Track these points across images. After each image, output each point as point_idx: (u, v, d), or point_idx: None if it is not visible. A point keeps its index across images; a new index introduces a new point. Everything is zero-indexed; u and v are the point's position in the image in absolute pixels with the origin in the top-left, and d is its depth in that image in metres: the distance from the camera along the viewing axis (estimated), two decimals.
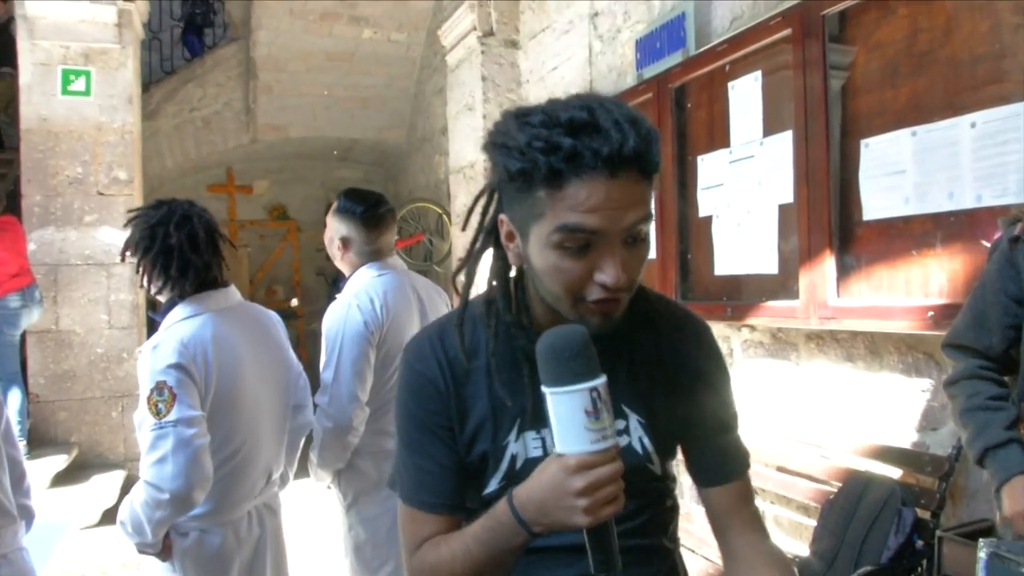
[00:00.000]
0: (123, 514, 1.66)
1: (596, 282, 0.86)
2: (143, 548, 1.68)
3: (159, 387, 1.60)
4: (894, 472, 2.22)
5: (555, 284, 0.88)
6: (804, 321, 2.56)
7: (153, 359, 1.64)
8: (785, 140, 2.66)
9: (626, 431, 0.98)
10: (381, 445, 2.26)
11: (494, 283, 0.96)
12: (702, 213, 3.10)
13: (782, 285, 2.70)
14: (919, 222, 2.22)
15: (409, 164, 7.84)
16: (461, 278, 0.99)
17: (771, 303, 2.71)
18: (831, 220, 2.48)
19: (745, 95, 2.87)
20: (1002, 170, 1.95)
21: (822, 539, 2.27)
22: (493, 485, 0.98)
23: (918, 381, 2.26)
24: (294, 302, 8.32)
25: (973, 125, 2.01)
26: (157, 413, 1.57)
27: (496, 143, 0.87)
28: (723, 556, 1.04)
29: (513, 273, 0.97)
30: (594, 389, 0.79)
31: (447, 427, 0.97)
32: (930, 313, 2.11)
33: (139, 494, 1.61)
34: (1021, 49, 1.90)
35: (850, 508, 2.21)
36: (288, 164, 8.65)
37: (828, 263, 2.48)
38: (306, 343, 8.04)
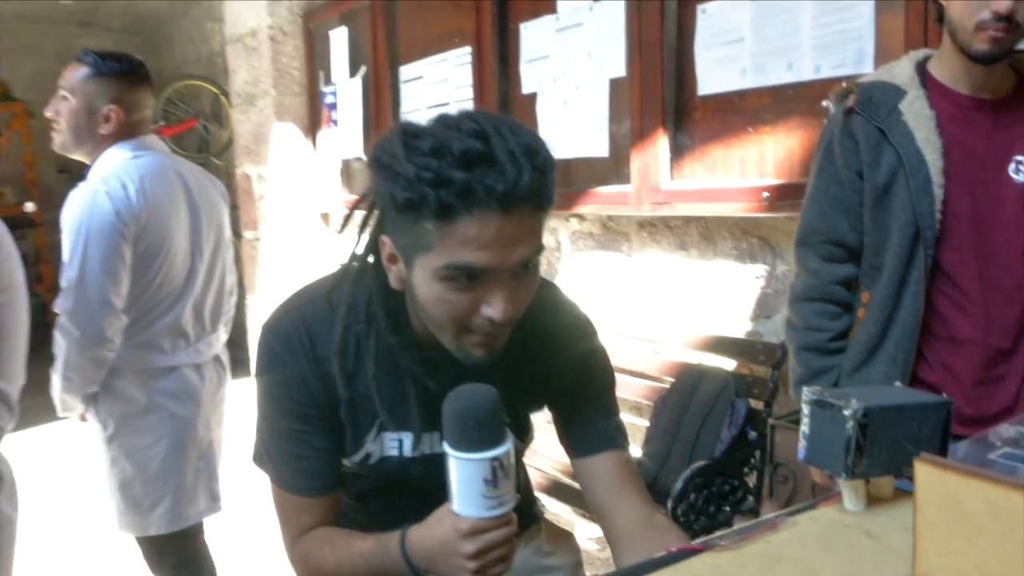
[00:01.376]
0: None
1: (483, 315, 0.92)
2: None
3: None
4: (728, 363, 2.36)
5: (440, 315, 0.94)
6: (636, 208, 2.60)
7: None
8: (617, 5, 2.62)
9: None
10: (147, 361, 2.06)
11: (374, 301, 1.03)
12: (525, 90, 3.04)
13: (613, 169, 2.72)
14: (755, 96, 2.28)
15: (174, 32, 7.09)
16: (341, 296, 1.04)
17: (601, 189, 2.73)
18: (665, 95, 2.51)
19: None
20: (841, 39, 2.03)
21: (654, 438, 2.38)
22: (346, 464, 1.11)
23: (752, 267, 2.38)
24: (29, 207, 7.43)
25: None
26: None
27: (381, 163, 0.90)
28: (617, 531, 1.08)
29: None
30: (495, 459, 0.87)
31: (320, 416, 1.07)
32: (765, 194, 2.20)
33: None
34: None
35: (683, 404, 2.32)
36: (7, 28, 7.51)
37: (661, 143, 2.51)
38: (49, 257, 7.26)
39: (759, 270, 2.37)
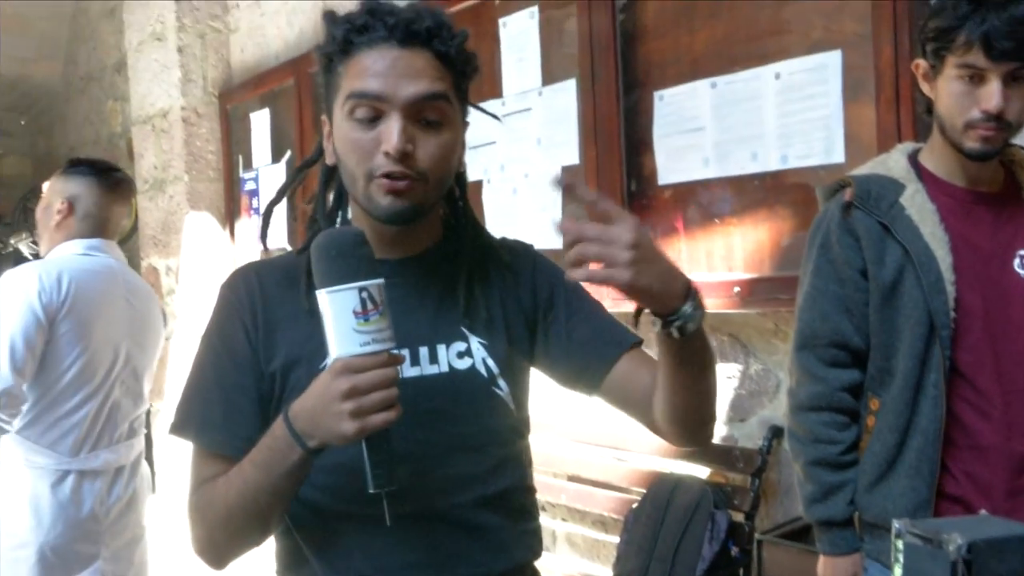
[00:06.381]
0: None
1: (380, 151, 1.02)
2: None
3: None
4: (702, 471, 2.35)
5: (350, 160, 1.05)
6: None
7: None
8: (568, 90, 2.69)
9: (468, 353, 1.12)
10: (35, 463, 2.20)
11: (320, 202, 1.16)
12: (471, 177, 3.02)
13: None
14: (720, 186, 2.34)
15: (69, 111, 6.97)
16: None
17: None
18: (623, 184, 2.55)
19: (520, 35, 2.86)
20: (807, 127, 2.11)
21: (628, 557, 2.33)
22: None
23: (723, 367, 2.40)
24: None
25: (777, 76, 2.16)
26: None
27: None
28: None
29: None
30: (363, 289, 0.91)
31: (249, 356, 1.08)
32: (736, 289, 2.24)
33: None
34: None
35: (658, 517, 2.29)
36: None
37: None
38: None
39: (731, 370, 2.39)
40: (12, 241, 5.61)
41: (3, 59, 6.63)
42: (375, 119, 1.03)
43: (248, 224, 4.21)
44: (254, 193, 4.14)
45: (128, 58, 4.68)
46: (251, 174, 4.16)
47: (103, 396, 2.29)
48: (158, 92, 4.39)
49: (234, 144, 4.30)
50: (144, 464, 2.49)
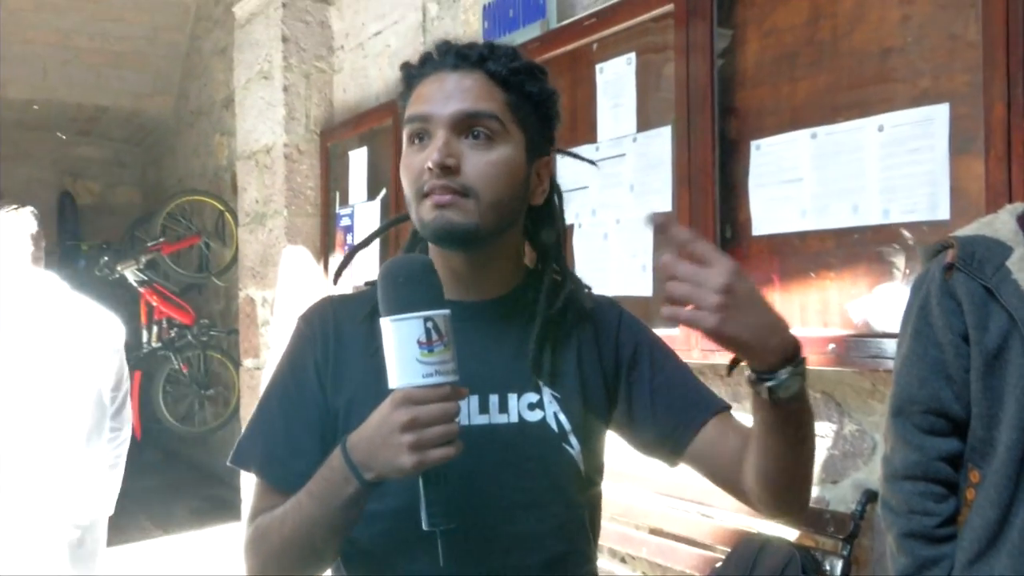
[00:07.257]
0: None
1: (425, 168, 1.02)
2: None
3: None
4: (791, 534, 2.28)
5: (405, 184, 1.07)
6: (684, 354, 2.55)
7: None
8: (663, 137, 2.69)
9: (540, 405, 1.10)
10: None
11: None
12: None
13: (658, 310, 2.70)
14: (817, 239, 2.30)
15: (178, 144, 7.33)
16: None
17: None
18: (716, 233, 2.53)
19: (616, 81, 2.88)
20: (912, 182, 2.06)
21: None
22: None
23: (815, 425, 2.33)
24: None
25: (881, 129, 2.11)
26: None
27: None
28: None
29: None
30: (429, 319, 0.90)
31: (316, 391, 1.09)
32: (831, 346, 2.18)
33: None
34: (936, 44, 2.01)
35: None
36: (6, 135, 7.79)
37: None
38: None
39: (824, 428, 2.32)
40: (119, 268, 5.88)
41: (121, 94, 7.05)
42: (426, 141, 1.05)
43: (341, 259, 4.32)
44: (349, 229, 4.26)
45: (236, 95, 4.90)
46: (347, 210, 4.27)
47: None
48: (263, 128, 4.58)
49: (332, 181, 4.43)
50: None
